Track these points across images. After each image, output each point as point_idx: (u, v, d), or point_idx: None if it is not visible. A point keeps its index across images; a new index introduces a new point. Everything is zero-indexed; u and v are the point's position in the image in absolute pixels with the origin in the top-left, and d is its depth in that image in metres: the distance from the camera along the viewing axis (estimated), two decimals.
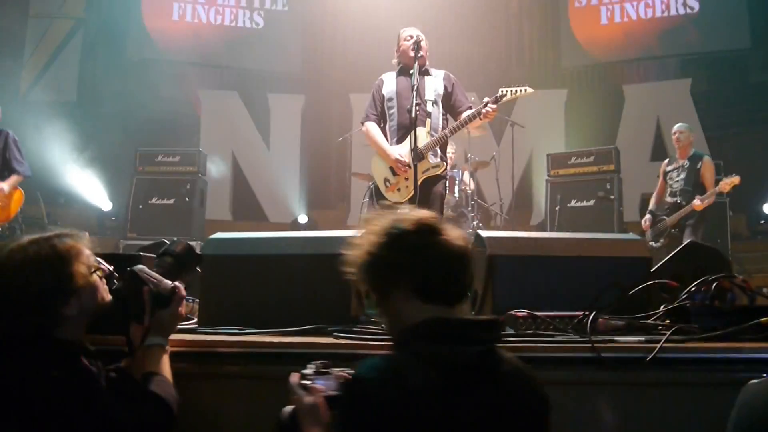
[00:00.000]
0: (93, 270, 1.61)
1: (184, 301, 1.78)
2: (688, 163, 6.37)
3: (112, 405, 1.48)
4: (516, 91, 3.90)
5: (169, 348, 1.73)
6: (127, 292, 1.68)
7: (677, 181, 6.34)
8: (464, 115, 4.04)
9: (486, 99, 3.92)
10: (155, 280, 1.72)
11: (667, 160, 6.67)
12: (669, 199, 6.37)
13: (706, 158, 6.43)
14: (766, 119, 9.19)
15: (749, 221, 8.64)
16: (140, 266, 1.73)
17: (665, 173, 6.54)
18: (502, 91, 3.90)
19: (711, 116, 9.47)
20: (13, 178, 5.47)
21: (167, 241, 2.10)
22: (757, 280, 7.44)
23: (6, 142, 5.50)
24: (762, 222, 8.54)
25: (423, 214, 1.51)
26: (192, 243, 2.32)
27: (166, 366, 1.69)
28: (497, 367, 1.41)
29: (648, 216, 6.47)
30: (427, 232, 1.46)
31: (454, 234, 1.47)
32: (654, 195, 6.62)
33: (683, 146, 6.43)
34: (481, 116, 3.89)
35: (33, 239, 1.56)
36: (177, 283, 1.76)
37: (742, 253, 7.66)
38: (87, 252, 1.61)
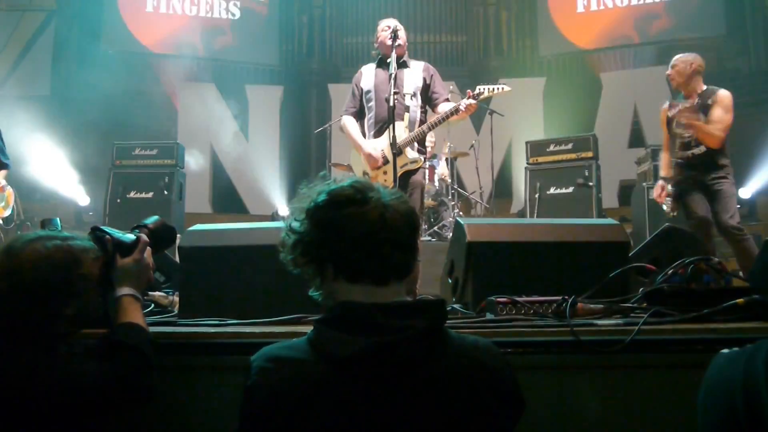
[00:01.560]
0: (96, 279, 1.62)
1: (150, 253, 1.76)
2: (698, 101, 4.82)
3: (76, 370, 1.48)
4: (493, 89, 3.93)
5: (140, 296, 1.71)
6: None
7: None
8: (443, 110, 4.03)
9: (468, 91, 3.93)
10: (118, 233, 1.73)
11: (667, 103, 5.12)
12: (682, 154, 4.82)
13: (722, 92, 4.87)
14: (742, 105, 9.29)
15: None
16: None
17: (668, 121, 5.00)
18: (480, 89, 3.91)
19: None
20: (2, 172, 5.35)
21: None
22: (734, 264, 7.56)
23: None
24: (739, 206, 8.63)
25: (352, 182, 1.34)
26: None
27: (137, 314, 1.66)
28: (408, 361, 1.23)
29: (660, 182, 4.96)
30: (343, 203, 1.29)
31: (379, 203, 1.28)
32: (662, 155, 5.12)
33: (685, 79, 4.91)
34: (460, 112, 3.90)
35: (51, 236, 1.57)
36: (140, 234, 1.75)
37: (720, 237, 7.74)
38: (96, 261, 1.62)
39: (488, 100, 4.42)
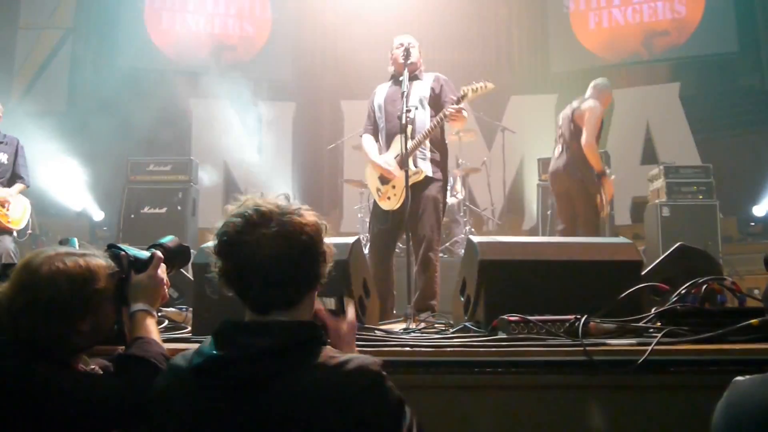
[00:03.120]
0: (112, 295, 1.64)
1: (165, 270, 1.78)
2: None
3: (91, 385, 1.51)
4: (477, 87, 3.91)
5: (154, 312, 1.73)
6: None
7: None
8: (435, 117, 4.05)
9: (452, 97, 3.94)
10: (134, 250, 1.76)
11: None
12: None
13: None
14: (755, 122, 9.28)
15: (739, 223, 8.70)
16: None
17: None
18: (463, 90, 3.91)
19: (700, 120, 9.55)
20: (18, 187, 5.43)
21: None
22: (747, 282, 7.48)
23: (17, 150, 5.49)
24: (752, 224, 8.59)
25: (244, 216, 1.42)
26: None
27: (152, 329, 1.68)
28: (248, 375, 1.32)
29: None
30: (224, 243, 1.42)
31: (253, 245, 1.38)
32: None
33: None
34: (447, 119, 3.91)
35: (69, 252, 1.60)
36: (154, 251, 1.77)
37: (733, 255, 7.70)
38: (112, 277, 1.64)
39: (500, 113, 4.40)
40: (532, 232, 8.02)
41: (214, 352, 1.36)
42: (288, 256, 1.40)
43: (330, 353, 1.38)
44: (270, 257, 1.38)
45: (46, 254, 1.57)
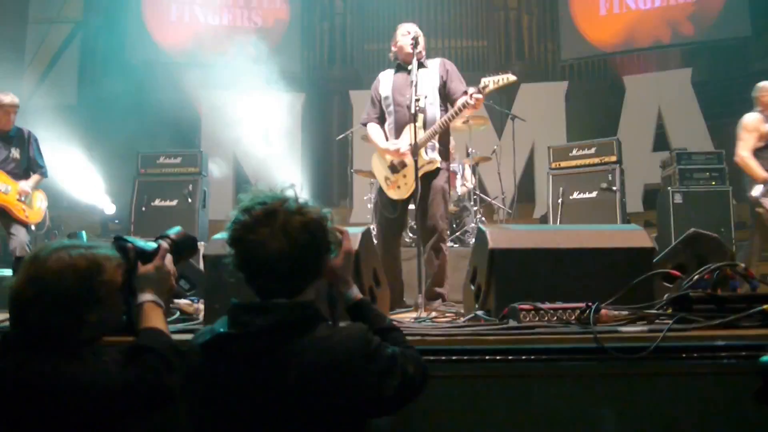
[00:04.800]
0: (119, 286, 1.65)
1: (171, 260, 1.79)
2: None
3: (99, 376, 1.51)
4: (498, 80, 3.87)
5: (162, 303, 1.73)
6: None
7: None
8: (454, 107, 4.02)
9: (471, 89, 3.89)
10: (140, 242, 1.77)
11: (757, 116, 5.27)
12: None
13: None
14: None
15: (753, 210, 8.60)
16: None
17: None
18: (485, 81, 3.86)
19: (712, 105, 9.46)
20: (36, 178, 5.45)
21: None
22: (762, 268, 7.43)
23: (29, 142, 5.48)
24: None
25: (251, 211, 1.56)
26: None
27: (159, 320, 1.69)
28: (250, 350, 1.47)
29: (762, 188, 5.04)
30: (235, 239, 1.57)
31: (258, 243, 1.52)
32: (751, 162, 5.06)
33: None
34: (467, 107, 3.87)
35: (75, 245, 1.61)
36: (161, 242, 1.79)
37: (746, 241, 7.63)
38: (119, 269, 1.65)
39: (510, 101, 4.39)
40: (543, 220, 7.98)
41: (221, 330, 1.54)
42: (290, 253, 1.52)
43: (324, 329, 1.52)
44: (274, 254, 1.51)
45: (53, 247, 1.59)
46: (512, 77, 3.90)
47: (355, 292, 1.75)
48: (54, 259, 1.55)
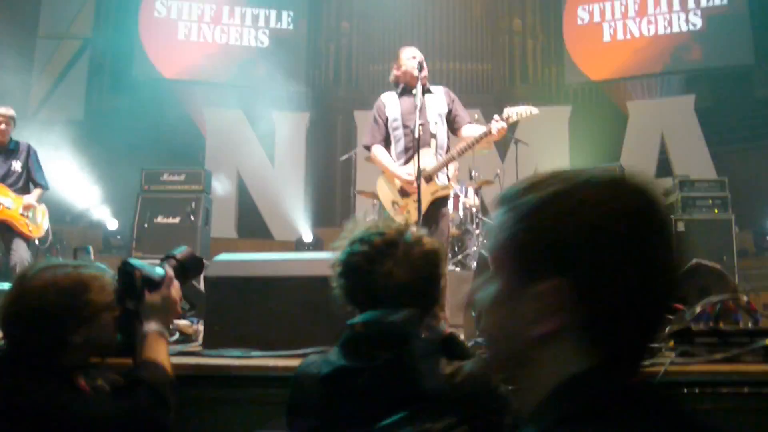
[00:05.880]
0: (108, 306, 1.62)
1: (178, 287, 1.77)
2: None
3: (92, 408, 1.49)
4: (522, 112, 3.89)
5: (167, 333, 1.73)
6: (122, 284, 1.68)
7: None
8: (468, 133, 4.03)
9: (495, 117, 3.89)
10: (147, 267, 1.74)
11: None
12: None
13: None
14: None
15: (755, 237, 8.61)
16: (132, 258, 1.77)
17: None
18: (507, 113, 3.87)
19: (715, 132, 9.49)
20: (38, 192, 5.45)
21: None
22: (764, 297, 7.40)
23: (28, 155, 5.49)
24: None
25: (378, 235, 1.53)
26: None
27: (161, 352, 1.67)
28: (370, 384, 1.40)
29: None
30: (363, 261, 1.51)
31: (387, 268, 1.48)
32: None
33: None
34: (489, 136, 3.87)
35: (62, 264, 1.61)
36: (167, 267, 1.77)
37: (749, 269, 7.62)
38: (108, 288, 1.63)
39: (515, 125, 4.44)
40: None
41: (342, 362, 1.45)
42: (413, 283, 1.50)
43: (445, 365, 1.46)
44: (399, 286, 1.48)
45: (41, 266, 1.59)
46: (534, 110, 3.92)
47: (445, 326, 1.73)
48: (38, 278, 1.54)
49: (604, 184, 0.81)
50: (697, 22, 10.25)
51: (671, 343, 2.07)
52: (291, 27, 11.28)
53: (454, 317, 3.98)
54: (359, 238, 1.53)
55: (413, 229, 1.58)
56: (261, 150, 10.36)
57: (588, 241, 0.77)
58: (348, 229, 1.59)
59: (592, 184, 0.81)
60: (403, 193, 4.07)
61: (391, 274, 1.48)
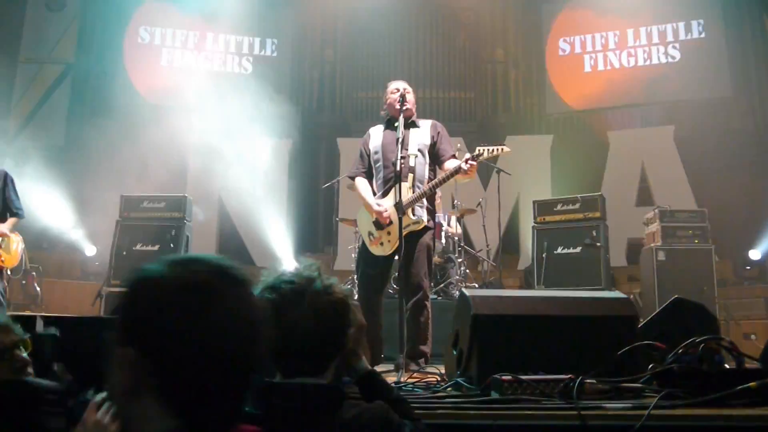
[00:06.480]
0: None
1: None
2: None
3: None
4: (492, 150, 3.94)
5: None
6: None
7: None
8: (445, 170, 4.05)
9: (467, 155, 3.93)
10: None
11: None
12: None
13: None
14: (749, 165, 9.32)
15: (735, 267, 8.68)
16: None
17: None
18: (479, 150, 3.92)
19: (694, 162, 9.60)
20: (13, 220, 5.28)
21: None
22: (744, 327, 7.44)
23: (5, 182, 5.29)
24: (748, 267, 8.58)
25: (288, 285, 1.54)
26: None
27: None
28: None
29: None
30: (271, 309, 1.51)
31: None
32: None
33: None
34: (460, 173, 3.90)
35: None
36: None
37: (729, 299, 7.66)
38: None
39: (494, 159, 4.49)
40: (528, 273, 7.97)
41: (247, 409, 1.44)
42: (319, 333, 1.52)
43: (349, 409, 1.50)
44: (303, 335, 1.51)
45: None
46: (507, 149, 3.99)
47: (365, 364, 1.75)
48: None
49: (175, 264, 0.98)
50: (675, 54, 10.44)
51: (654, 382, 2.05)
52: (275, 54, 11.31)
53: (436, 345, 3.95)
54: (270, 285, 1.54)
55: (324, 278, 1.59)
56: (243, 176, 10.30)
57: (149, 317, 0.91)
58: (264, 275, 1.59)
59: (169, 265, 0.97)
60: (378, 225, 4.06)
61: (295, 323, 1.50)
